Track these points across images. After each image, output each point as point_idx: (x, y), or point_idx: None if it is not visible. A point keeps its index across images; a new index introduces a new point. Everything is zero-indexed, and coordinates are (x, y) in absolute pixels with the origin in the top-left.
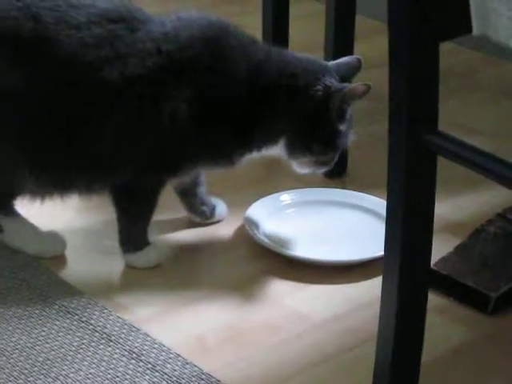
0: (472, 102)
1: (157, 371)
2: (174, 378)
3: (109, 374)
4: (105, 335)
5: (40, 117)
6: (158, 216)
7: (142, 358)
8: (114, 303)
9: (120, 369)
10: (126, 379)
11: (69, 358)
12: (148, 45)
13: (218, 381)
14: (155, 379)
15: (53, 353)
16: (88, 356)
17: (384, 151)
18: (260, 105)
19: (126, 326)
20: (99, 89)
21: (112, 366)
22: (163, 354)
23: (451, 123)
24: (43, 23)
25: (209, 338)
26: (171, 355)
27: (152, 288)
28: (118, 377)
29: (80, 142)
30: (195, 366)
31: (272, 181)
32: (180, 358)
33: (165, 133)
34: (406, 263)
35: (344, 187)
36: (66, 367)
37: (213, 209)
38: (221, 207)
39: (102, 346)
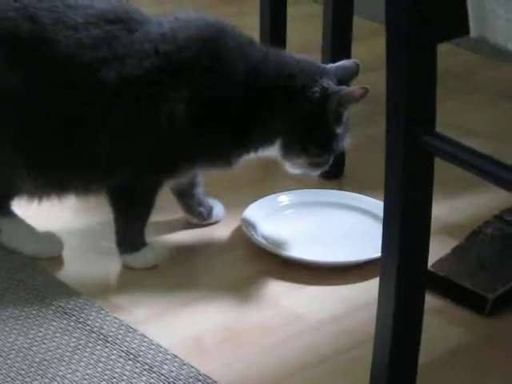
0: (470, 103)
1: (154, 372)
2: (171, 379)
3: (106, 375)
4: (102, 336)
5: (38, 117)
6: (156, 217)
7: (139, 358)
8: (111, 304)
9: (117, 370)
10: (123, 380)
11: (66, 358)
12: (145, 45)
13: (215, 382)
14: (152, 380)
15: (50, 354)
16: (85, 357)
17: (381, 152)
18: (257, 105)
19: (123, 327)
20: (97, 89)
21: (109, 366)
22: (160, 354)
23: (449, 125)
24: (41, 24)
25: (206, 339)
26: (168, 356)
27: (149, 289)
28: (115, 378)
29: (77, 142)
30: (192, 366)
31: (269, 182)
32: (177, 359)
33: (162, 133)
34: (403, 264)
35: (341, 188)
36: (62, 368)
37: (210, 210)
38: (218, 208)
39: (99, 347)
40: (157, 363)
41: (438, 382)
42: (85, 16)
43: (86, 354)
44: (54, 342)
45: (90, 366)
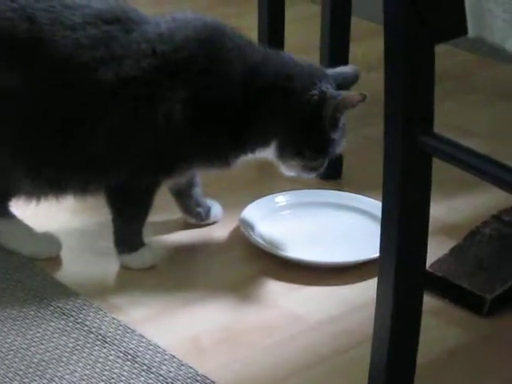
0: (467, 103)
1: (152, 373)
2: (170, 380)
3: (104, 375)
4: (100, 336)
5: (35, 118)
6: (154, 217)
7: (137, 359)
8: (109, 304)
9: (115, 370)
10: (121, 381)
11: (64, 359)
12: (143, 46)
13: (213, 382)
14: (150, 381)
15: (48, 354)
16: (83, 357)
17: (379, 153)
18: (255, 106)
19: (121, 327)
20: (94, 89)
21: (107, 367)
22: (158, 355)
23: (447, 125)
24: (38, 24)
25: (204, 340)
26: (166, 356)
27: (147, 289)
28: (113, 378)
29: (75, 142)
30: (190, 367)
31: (267, 182)
32: (175, 360)
33: (160, 133)
34: (401, 265)
35: (339, 189)
36: (61, 368)
37: (208, 210)
38: (216, 209)
39: (97, 348)
40: (155, 364)
41: (436, 382)
42: (82, 16)
43: (84, 355)
44: (52, 342)
45: (88, 367)
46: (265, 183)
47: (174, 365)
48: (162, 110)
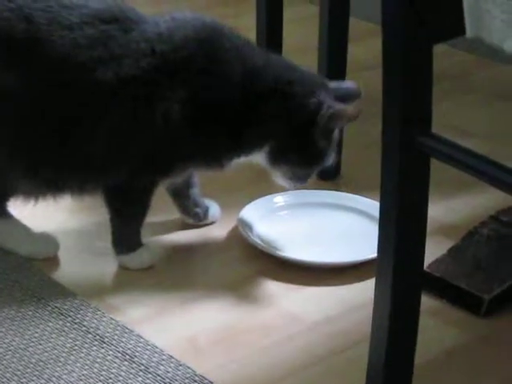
0: (465, 104)
1: (150, 373)
2: (167, 380)
3: (102, 375)
4: (98, 337)
5: (33, 118)
6: (152, 217)
7: (135, 359)
8: (107, 304)
9: (113, 370)
10: (119, 381)
11: (62, 359)
12: (142, 45)
13: (211, 382)
14: (148, 381)
15: (46, 354)
16: (81, 358)
17: (377, 153)
18: (252, 108)
19: (118, 328)
20: (93, 89)
21: (105, 367)
22: (156, 355)
23: (445, 125)
24: (35, 24)
25: (202, 340)
26: (164, 357)
27: (145, 289)
28: (110, 379)
29: (74, 142)
30: (188, 367)
31: (265, 183)
32: (173, 360)
33: (158, 133)
34: (399, 265)
35: (337, 189)
36: (58, 369)
37: (206, 210)
38: (214, 209)
39: (94, 348)
40: (153, 364)
41: (434, 382)
42: (80, 16)
43: (82, 355)
44: (49, 342)
45: (86, 367)
46: (263, 183)
47: (172, 365)
48: (160, 109)
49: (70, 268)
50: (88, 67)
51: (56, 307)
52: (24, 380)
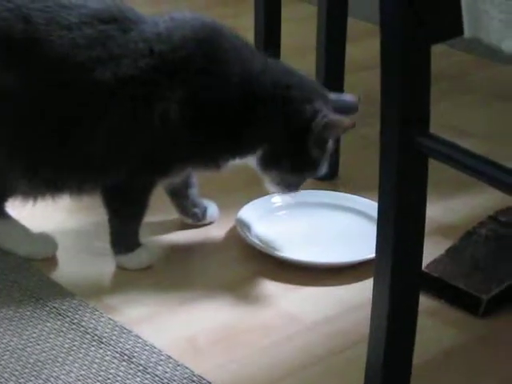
0: (464, 104)
1: (148, 373)
2: (166, 380)
3: (100, 375)
4: (96, 337)
5: (32, 118)
6: (150, 217)
7: (133, 359)
8: (105, 305)
9: (111, 371)
10: (117, 381)
11: (60, 359)
12: (140, 45)
13: (210, 382)
14: (146, 381)
15: (44, 354)
16: (79, 358)
17: (375, 153)
18: (249, 110)
19: (117, 328)
20: (91, 89)
21: (103, 367)
22: (154, 355)
23: (443, 125)
24: (34, 24)
25: (200, 340)
26: (162, 357)
27: (143, 289)
28: (109, 379)
29: (73, 142)
30: (186, 367)
31: (263, 183)
32: (171, 360)
33: (157, 133)
34: (397, 265)
35: (335, 189)
36: (56, 369)
37: (204, 211)
38: (212, 209)
39: (93, 348)
40: (151, 364)
41: (432, 382)
42: (78, 16)
43: (81, 355)
44: (48, 343)
45: (85, 367)
46: (261, 184)
47: (170, 365)
48: (159, 109)
49: (69, 268)
50: (87, 67)
51: (54, 307)
52: (22, 380)
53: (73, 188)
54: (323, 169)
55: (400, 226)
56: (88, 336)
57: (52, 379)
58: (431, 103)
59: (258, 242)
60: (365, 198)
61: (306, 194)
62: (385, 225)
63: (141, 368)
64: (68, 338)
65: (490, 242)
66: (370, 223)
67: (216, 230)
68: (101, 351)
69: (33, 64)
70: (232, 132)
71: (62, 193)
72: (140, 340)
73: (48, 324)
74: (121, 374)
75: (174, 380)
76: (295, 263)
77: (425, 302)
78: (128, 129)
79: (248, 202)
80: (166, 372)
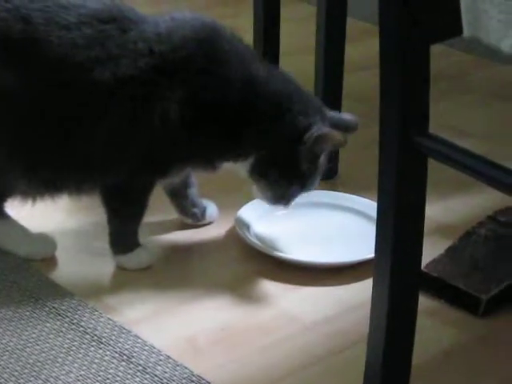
0: (463, 104)
1: (147, 373)
2: (165, 380)
3: (99, 376)
4: (95, 337)
5: (32, 118)
6: (149, 218)
7: (133, 359)
8: (105, 305)
9: (110, 371)
10: (117, 381)
11: (59, 359)
12: (140, 45)
13: (209, 382)
14: (146, 381)
15: (43, 355)
16: (78, 358)
17: (375, 153)
18: (247, 113)
19: (116, 328)
20: (91, 89)
21: (102, 367)
22: (154, 355)
23: (442, 125)
24: (33, 24)
25: (199, 340)
26: (162, 357)
27: (142, 289)
28: (108, 379)
29: (72, 142)
30: (186, 367)
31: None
32: (171, 360)
33: (157, 133)
34: (396, 265)
35: (335, 189)
36: (56, 369)
37: (204, 211)
38: (212, 209)
39: (92, 348)
40: (150, 364)
41: (431, 382)
42: (77, 16)
43: (80, 356)
44: (47, 343)
45: (84, 368)
46: None
47: (170, 365)
48: (158, 109)
49: (68, 268)
50: (86, 67)
51: (54, 308)
52: (22, 381)
53: (72, 188)
54: (314, 184)
55: (399, 226)
56: (87, 336)
57: (51, 379)
58: (430, 103)
59: (257, 241)
60: (364, 197)
61: (306, 194)
62: (384, 225)
63: (140, 368)
64: (67, 338)
65: (490, 242)
66: (370, 223)
67: (215, 230)
68: (100, 351)
69: (32, 64)
70: (230, 133)
71: (61, 193)
72: (139, 340)
73: (47, 324)
74: (120, 373)
75: (174, 380)
76: (294, 263)
77: (424, 301)
78: (127, 129)
79: (247, 201)
80: (166, 372)
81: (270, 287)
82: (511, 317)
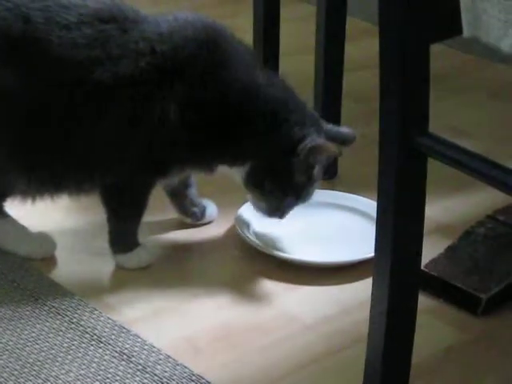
0: (463, 104)
1: (147, 372)
2: (165, 380)
3: (99, 375)
4: (95, 336)
5: (32, 118)
6: (149, 217)
7: (133, 359)
8: (104, 304)
9: (110, 370)
10: (117, 380)
11: (59, 359)
12: (141, 45)
13: (209, 382)
14: (146, 381)
15: (43, 354)
16: (78, 357)
17: (374, 153)
18: (246, 115)
19: (116, 327)
20: (91, 90)
21: (102, 367)
22: (154, 355)
23: (442, 125)
24: (33, 24)
25: (199, 339)
26: (162, 356)
27: (142, 289)
28: (108, 378)
29: (72, 142)
30: (186, 367)
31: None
32: (170, 359)
33: (157, 133)
34: (396, 265)
35: (334, 188)
36: (56, 368)
37: (203, 210)
38: (211, 208)
39: (92, 347)
40: (150, 363)
41: (431, 381)
42: (78, 15)
43: (80, 355)
44: (47, 342)
45: (84, 367)
46: None
47: (169, 364)
48: (158, 109)
49: (68, 268)
50: (86, 67)
51: (53, 307)
52: (21, 380)
53: (72, 188)
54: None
55: (399, 226)
56: (87, 335)
57: (51, 378)
58: (430, 103)
59: (256, 241)
60: (364, 197)
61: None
62: (384, 224)
63: (140, 367)
64: (67, 338)
65: (489, 241)
66: (369, 222)
67: (215, 230)
68: (100, 350)
69: (32, 64)
70: (228, 135)
71: (60, 192)
72: (139, 339)
73: (47, 323)
74: (120, 373)
75: (173, 379)
76: (294, 262)
77: (424, 301)
78: (127, 129)
79: (247, 201)
80: (165, 371)
81: (269, 286)
82: (511, 316)
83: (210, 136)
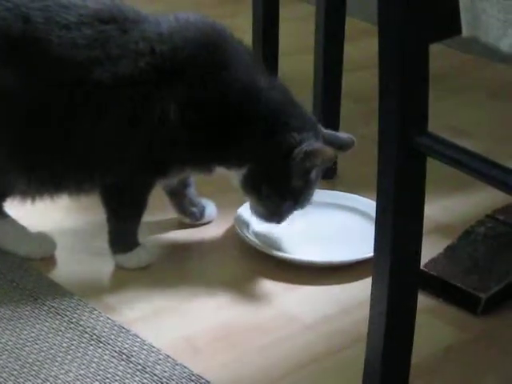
0: (462, 103)
1: (147, 372)
2: (164, 380)
3: (98, 375)
4: (94, 336)
5: (32, 118)
6: (149, 217)
7: (132, 359)
8: (104, 304)
9: (110, 370)
10: (116, 381)
11: (58, 359)
12: (140, 45)
13: (208, 382)
14: (145, 381)
15: (42, 354)
16: (78, 357)
17: (374, 152)
18: (245, 117)
19: (115, 327)
20: (90, 90)
21: (102, 367)
22: (153, 355)
23: (441, 125)
24: (33, 24)
25: (199, 339)
26: (161, 356)
27: (142, 289)
28: (107, 378)
29: (72, 142)
30: (185, 367)
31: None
32: (170, 359)
33: (157, 133)
34: (395, 264)
35: (334, 188)
36: (55, 368)
37: (202, 210)
38: (210, 208)
39: (91, 348)
40: (149, 363)
41: (430, 381)
42: (78, 16)
43: (79, 355)
44: (46, 342)
45: (83, 367)
46: None
47: (169, 364)
48: (158, 109)
49: (67, 268)
50: (86, 67)
51: (53, 307)
52: (21, 380)
53: (72, 188)
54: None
55: (398, 225)
56: (86, 335)
57: (50, 378)
58: (430, 102)
59: (256, 241)
60: (363, 196)
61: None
62: (383, 223)
63: (139, 367)
64: (66, 338)
65: (489, 241)
66: (369, 222)
67: (214, 230)
68: (99, 350)
69: (32, 64)
70: (228, 135)
71: (60, 192)
72: (138, 339)
73: (46, 323)
74: (119, 373)
75: (173, 379)
76: (294, 262)
77: (423, 300)
78: (127, 129)
79: (246, 200)
80: (165, 371)
81: (269, 286)
82: (510, 315)
83: (209, 136)
